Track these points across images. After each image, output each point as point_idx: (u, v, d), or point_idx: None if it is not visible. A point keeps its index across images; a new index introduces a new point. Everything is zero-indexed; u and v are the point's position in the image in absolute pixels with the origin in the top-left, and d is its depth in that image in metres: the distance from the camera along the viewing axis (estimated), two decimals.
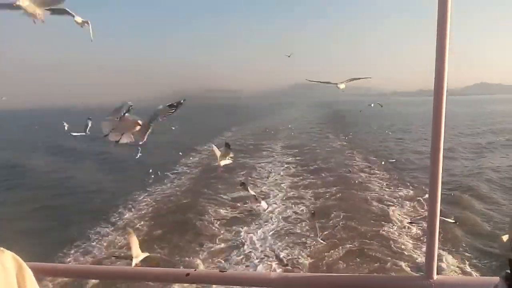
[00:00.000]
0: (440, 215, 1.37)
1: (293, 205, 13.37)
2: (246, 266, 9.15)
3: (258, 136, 34.07)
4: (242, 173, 18.42)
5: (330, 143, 29.18)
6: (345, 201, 13.63)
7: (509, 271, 0.89)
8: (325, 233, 10.13)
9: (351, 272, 8.68)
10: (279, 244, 10.26)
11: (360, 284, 1.52)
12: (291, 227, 11.42)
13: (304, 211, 12.61)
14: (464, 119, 49.35)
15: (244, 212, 12.71)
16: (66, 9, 1.94)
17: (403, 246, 9.92)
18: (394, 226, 11.25)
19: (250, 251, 9.89)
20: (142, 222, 12.20)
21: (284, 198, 14.26)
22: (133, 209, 13.53)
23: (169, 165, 20.40)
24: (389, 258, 9.32)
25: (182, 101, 1.85)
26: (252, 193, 6.63)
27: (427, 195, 1.42)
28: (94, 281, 7.78)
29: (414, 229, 10.81)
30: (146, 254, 4.77)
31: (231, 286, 2.53)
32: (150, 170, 16.98)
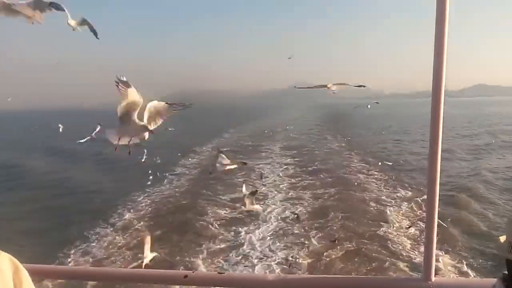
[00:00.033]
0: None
1: (291, 206, 13.41)
2: (245, 266, 9.22)
3: (256, 137, 34.08)
4: (241, 173, 18.40)
5: (329, 144, 29.27)
6: (343, 202, 13.70)
7: (506, 272, 0.93)
8: (321, 234, 10.17)
9: (349, 273, 8.75)
10: (278, 244, 10.33)
11: (357, 286, 1.55)
12: (290, 227, 11.48)
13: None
14: (462, 120, 49.46)
15: (243, 213, 12.73)
16: (61, 5, 1.84)
17: (401, 247, 9.99)
18: (392, 227, 11.33)
19: (249, 251, 9.97)
20: (141, 223, 12.25)
21: (282, 199, 14.30)
22: (132, 210, 13.59)
23: (169, 166, 20.39)
24: (387, 258, 9.38)
25: (188, 104, 1.83)
26: (258, 207, 6.40)
27: (425, 196, 1.43)
28: (93, 282, 7.85)
29: (412, 229, 10.89)
30: (155, 254, 4.84)
31: None
32: (149, 171, 16.98)
